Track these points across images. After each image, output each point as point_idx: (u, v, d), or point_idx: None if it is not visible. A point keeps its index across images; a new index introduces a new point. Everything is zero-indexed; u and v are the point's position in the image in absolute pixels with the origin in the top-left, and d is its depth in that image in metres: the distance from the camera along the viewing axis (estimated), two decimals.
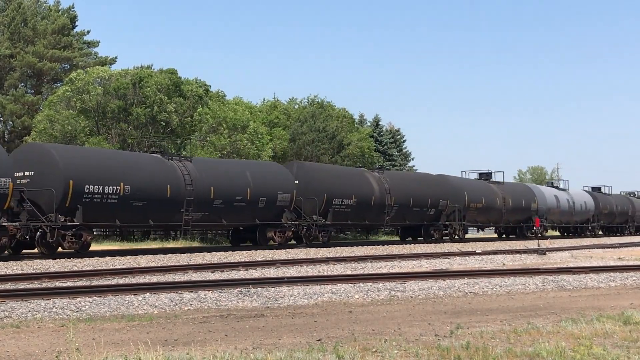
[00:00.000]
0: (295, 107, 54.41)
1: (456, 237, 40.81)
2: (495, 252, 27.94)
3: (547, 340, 8.03)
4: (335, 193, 33.31)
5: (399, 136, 65.08)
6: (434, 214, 39.62)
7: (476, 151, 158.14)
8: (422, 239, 39.80)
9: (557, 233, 57.99)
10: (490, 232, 56.90)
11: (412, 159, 66.44)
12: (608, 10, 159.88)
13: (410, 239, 41.07)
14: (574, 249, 32.30)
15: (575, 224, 55.93)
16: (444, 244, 37.14)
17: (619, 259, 25.05)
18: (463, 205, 41.01)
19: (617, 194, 66.08)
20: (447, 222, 40.13)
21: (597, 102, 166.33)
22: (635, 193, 69.16)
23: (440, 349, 7.54)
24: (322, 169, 35.56)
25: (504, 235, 50.43)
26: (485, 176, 47.14)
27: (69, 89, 39.49)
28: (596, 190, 62.15)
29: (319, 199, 32.35)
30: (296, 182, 32.00)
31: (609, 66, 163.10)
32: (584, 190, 59.75)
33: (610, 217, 60.21)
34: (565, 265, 20.99)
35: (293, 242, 32.79)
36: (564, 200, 52.86)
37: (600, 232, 60.56)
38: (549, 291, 14.50)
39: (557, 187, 56.05)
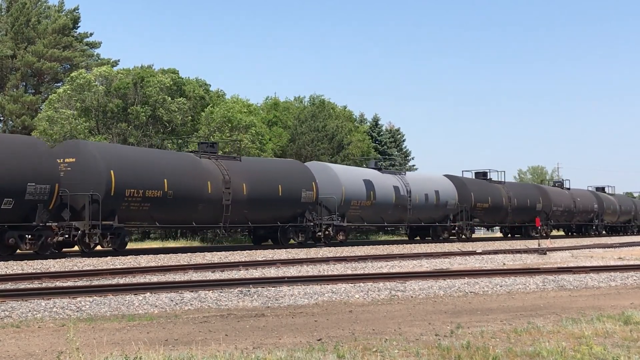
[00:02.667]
0: (297, 105, 54.40)
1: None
2: (495, 252, 27.95)
3: (548, 340, 8.03)
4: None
5: (398, 135, 65.10)
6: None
7: (476, 151, 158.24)
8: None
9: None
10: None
11: (412, 159, 66.52)
12: (608, 10, 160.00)
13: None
14: (574, 249, 32.30)
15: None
16: (445, 243, 37.23)
17: (620, 258, 25.06)
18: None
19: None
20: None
21: (598, 102, 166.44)
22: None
23: (440, 349, 7.54)
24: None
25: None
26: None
27: (69, 88, 39.51)
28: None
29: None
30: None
31: (609, 66, 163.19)
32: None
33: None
34: (565, 265, 20.99)
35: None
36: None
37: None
38: (550, 291, 14.50)
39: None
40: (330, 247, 31.44)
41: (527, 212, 47.24)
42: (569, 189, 55.73)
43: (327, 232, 32.61)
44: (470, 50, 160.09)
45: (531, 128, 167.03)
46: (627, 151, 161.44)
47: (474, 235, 45.34)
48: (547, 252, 27.40)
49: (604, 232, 60.11)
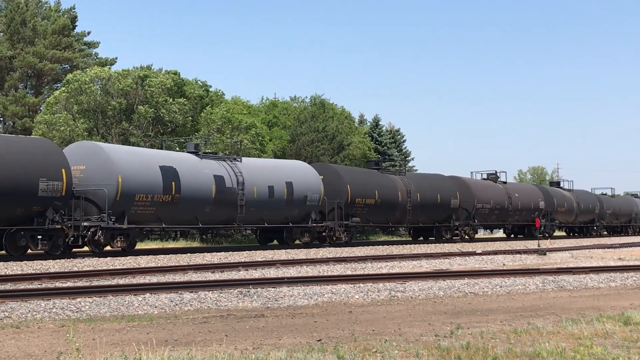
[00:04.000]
0: (295, 105, 54.37)
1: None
2: (495, 253, 27.97)
3: (547, 341, 8.03)
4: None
5: (398, 136, 65.06)
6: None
7: (476, 151, 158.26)
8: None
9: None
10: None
11: (412, 159, 66.46)
12: (608, 10, 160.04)
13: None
14: (574, 249, 32.33)
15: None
16: (445, 244, 37.27)
17: (619, 259, 25.06)
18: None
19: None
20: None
21: (598, 102, 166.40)
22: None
23: (440, 349, 7.54)
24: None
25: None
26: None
27: (66, 90, 39.50)
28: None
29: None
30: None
31: (609, 66, 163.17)
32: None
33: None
34: (565, 266, 21.00)
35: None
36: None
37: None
38: (549, 291, 14.50)
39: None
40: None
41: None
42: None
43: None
44: (471, 51, 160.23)
45: (532, 128, 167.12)
46: (628, 151, 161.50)
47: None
48: (547, 253, 27.41)
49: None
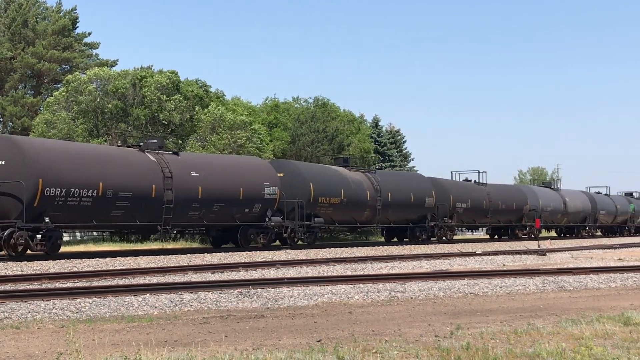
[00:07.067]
0: (297, 106, 54.43)
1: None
2: (495, 253, 28.00)
3: (548, 341, 8.03)
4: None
5: (398, 137, 65.08)
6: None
7: (476, 151, 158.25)
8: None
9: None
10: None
11: (412, 160, 66.46)
12: (608, 10, 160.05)
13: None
14: (574, 250, 32.36)
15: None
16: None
17: (619, 259, 25.08)
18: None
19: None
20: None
21: (598, 102, 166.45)
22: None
23: (440, 350, 7.54)
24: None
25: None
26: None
27: (65, 90, 39.53)
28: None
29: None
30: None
31: (609, 66, 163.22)
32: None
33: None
34: (565, 266, 21.01)
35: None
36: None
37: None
38: (549, 292, 14.50)
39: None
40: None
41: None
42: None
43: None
44: (471, 51, 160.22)
45: (532, 129, 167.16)
46: (628, 152, 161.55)
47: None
48: (547, 253, 27.42)
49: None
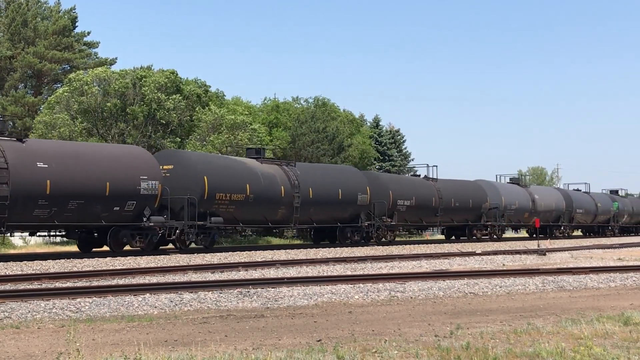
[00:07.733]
0: (297, 106, 54.43)
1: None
2: (495, 253, 28.04)
3: (547, 341, 8.04)
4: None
5: (399, 137, 65.07)
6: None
7: (476, 151, 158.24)
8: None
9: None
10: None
11: (412, 160, 66.43)
12: (608, 10, 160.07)
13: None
14: (573, 250, 32.40)
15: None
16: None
17: (619, 259, 25.10)
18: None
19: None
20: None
21: (598, 102, 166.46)
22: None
23: (440, 350, 7.54)
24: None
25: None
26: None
27: (67, 90, 39.52)
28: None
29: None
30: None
31: (609, 66, 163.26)
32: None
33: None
34: (565, 266, 21.02)
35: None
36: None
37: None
38: (549, 292, 14.51)
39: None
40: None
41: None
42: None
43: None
44: (471, 51, 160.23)
45: (532, 129, 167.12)
46: (628, 152, 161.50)
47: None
48: (547, 253, 27.45)
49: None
